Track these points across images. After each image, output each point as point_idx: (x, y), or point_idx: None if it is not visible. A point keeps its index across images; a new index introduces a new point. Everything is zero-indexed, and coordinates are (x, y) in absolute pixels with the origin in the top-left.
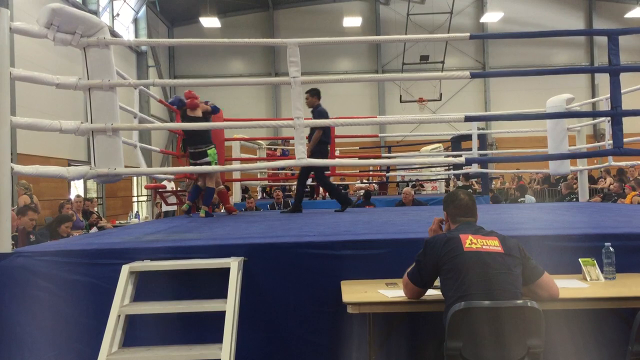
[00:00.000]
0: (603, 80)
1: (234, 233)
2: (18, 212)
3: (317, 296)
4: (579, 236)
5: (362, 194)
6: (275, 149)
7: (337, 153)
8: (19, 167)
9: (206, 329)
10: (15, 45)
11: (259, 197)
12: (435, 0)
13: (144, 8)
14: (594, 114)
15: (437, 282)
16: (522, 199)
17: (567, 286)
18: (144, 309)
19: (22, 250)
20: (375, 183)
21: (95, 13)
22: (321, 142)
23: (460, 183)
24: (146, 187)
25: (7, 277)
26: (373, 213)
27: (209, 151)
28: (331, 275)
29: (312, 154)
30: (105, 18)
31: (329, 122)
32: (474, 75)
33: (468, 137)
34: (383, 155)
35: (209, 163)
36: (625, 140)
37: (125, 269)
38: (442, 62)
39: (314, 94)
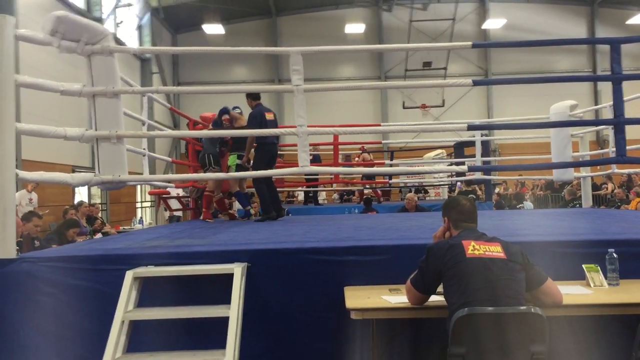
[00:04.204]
0: (606, 86)
1: (237, 239)
2: (23, 218)
3: (320, 302)
4: (582, 242)
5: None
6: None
7: (340, 159)
8: (23, 173)
9: (210, 334)
10: (20, 52)
11: None
12: (438, 7)
13: (147, 15)
14: (597, 122)
15: (440, 288)
16: (520, 205)
17: (571, 292)
18: (147, 314)
19: (27, 255)
20: (379, 189)
21: (100, 20)
22: (267, 143)
23: (463, 188)
24: (150, 193)
25: (12, 283)
26: (376, 219)
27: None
28: (334, 281)
29: (253, 159)
30: (109, 25)
31: (332, 130)
32: (476, 83)
33: (471, 144)
34: (386, 162)
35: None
36: (628, 147)
37: (129, 275)
38: (445, 69)
39: (247, 97)
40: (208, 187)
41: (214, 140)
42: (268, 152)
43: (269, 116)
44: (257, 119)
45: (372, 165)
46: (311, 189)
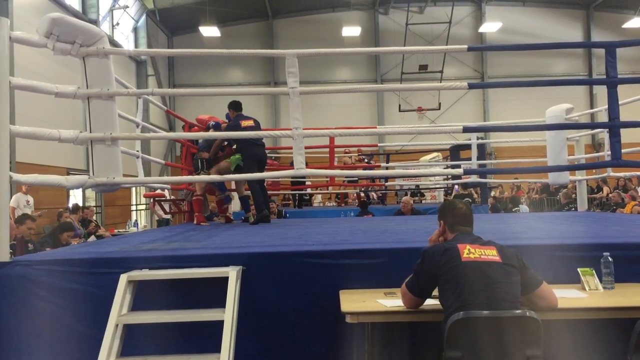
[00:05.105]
0: (601, 89)
1: (233, 242)
2: (16, 221)
3: (315, 305)
4: (577, 246)
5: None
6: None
7: (335, 162)
8: (17, 176)
9: (204, 338)
10: (15, 54)
11: None
12: (434, 10)
13: (143, 17)
14: (592, 125)
15: (435, 292)
16: (516, 208)
17: (566, 296)
18: (142, 318)
19: (20, 259)
20: (375, 192)
21: (95, 22)
22: (247, 143)
23: (459, 192)
24: (145, 196)
25: (5, 286)
26: (372, 222)
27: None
28: (330, 285)
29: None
30: (105, 27)
31: (328, 132)
32: (471, 86)
33: (467, 147)
34: (382, 165)
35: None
36: (624, 150)
37: (123, 278)
38: (441, 72)
39: (229, 107)
40: (197, 191)
41: (210, 144)
42: (254, 154)
43: (246, 123)
44: (234, 131)
45: (354, 169)
46: (297, 192)
